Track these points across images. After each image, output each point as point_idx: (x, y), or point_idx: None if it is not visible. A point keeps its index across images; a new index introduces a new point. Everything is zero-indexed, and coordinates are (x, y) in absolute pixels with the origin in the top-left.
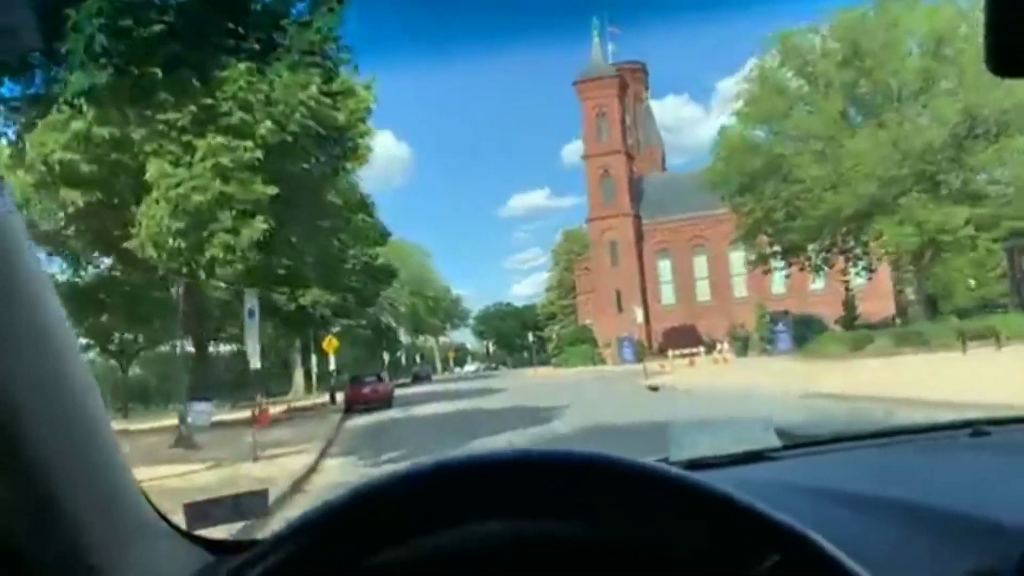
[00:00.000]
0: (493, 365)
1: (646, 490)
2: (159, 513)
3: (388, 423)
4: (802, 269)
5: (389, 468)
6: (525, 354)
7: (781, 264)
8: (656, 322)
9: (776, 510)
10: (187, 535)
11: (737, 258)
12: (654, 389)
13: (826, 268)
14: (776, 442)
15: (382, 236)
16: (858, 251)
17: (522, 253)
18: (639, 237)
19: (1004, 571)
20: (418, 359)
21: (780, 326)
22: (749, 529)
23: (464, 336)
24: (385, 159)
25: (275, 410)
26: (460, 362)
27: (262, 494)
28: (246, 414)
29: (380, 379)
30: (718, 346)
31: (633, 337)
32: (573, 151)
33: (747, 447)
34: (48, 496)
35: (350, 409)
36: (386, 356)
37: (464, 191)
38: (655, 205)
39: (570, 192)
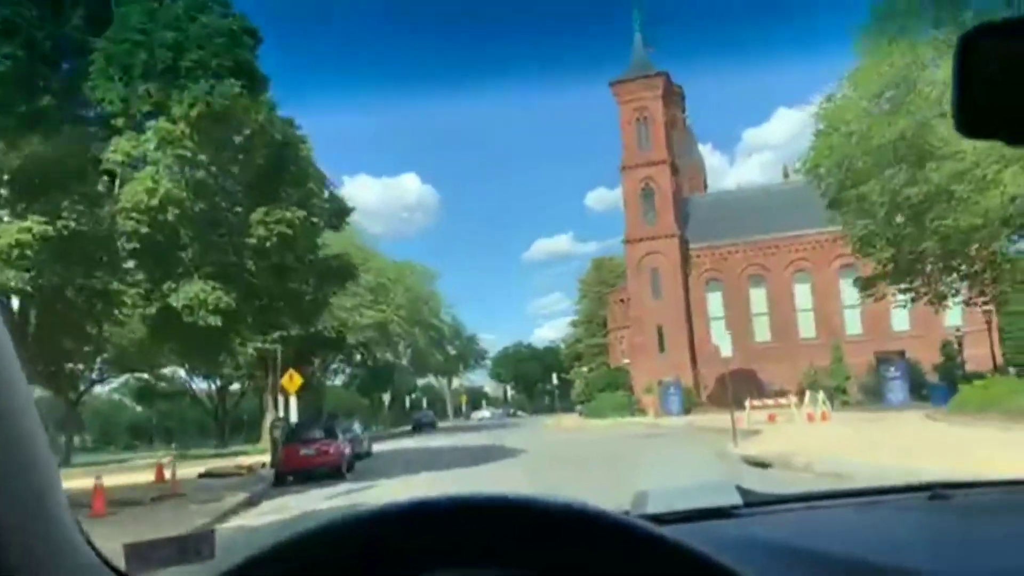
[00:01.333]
0: (511, 411)
1: (614, 542)
2: (101, 557)
3: (318, 515)
4: (928, 297)
5: None
6: (546, 399)
7: (898, 290)
8: (706, 366)
9: (737, 564)
10: None
11: (803, 292)
12: (762, 466)
13: (962, 294)
14: (738, 500)
15: (338, 212)
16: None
17: (544, 298)
18: (685, 263)
19: None
20: (424, 403)
21: (893, 371)
22: None
23: (481, 379)
24: (411, 200)
25: (191, 471)
26: (475, 406)
27: (208, 535)
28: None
29: (330, 435)
30: (809, 396)
31: (680, 383)
32: (597, 198)
33: (710, 503)
34: None
35: (280, 480)
36: (387, 399)
37: (488, 235)
38: (704, 228)
39: (593, 237)
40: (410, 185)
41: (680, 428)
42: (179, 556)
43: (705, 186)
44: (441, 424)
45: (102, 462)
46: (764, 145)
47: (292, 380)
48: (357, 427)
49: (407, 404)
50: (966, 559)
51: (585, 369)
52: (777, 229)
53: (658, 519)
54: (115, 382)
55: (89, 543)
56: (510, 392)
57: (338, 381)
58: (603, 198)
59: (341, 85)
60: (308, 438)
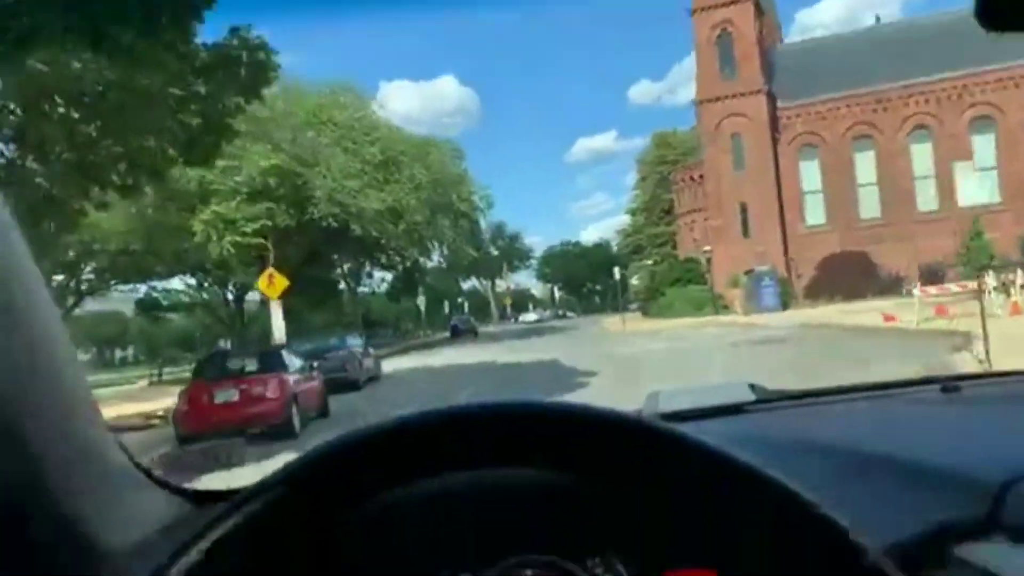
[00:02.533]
0: (560, 312)
1: (626, 438)
2: (138, 465)
3: None
4: None
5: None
6: (596, 300)
7: None
8: (800, 251)
9: (749, 458)
10: (166, 485)
11: (922, 154)
12: None
13: None
14: (751, 396)
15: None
16: None
17: (588, 199)
18: (774, 126)
19: (974, 523)
20: (465, 308)
21: None
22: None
23: (527, 281)
24: (451, 104)
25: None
26: (521, 309)
27: (239, 443)
28: None
29: (269, 366)
30: (996, 279)
31: (776, 273)
32: (641, 91)
33: (722, 401)
34: (24, 454)
35: (188, 441)
36: (421, 304)
37: (529, 136)
38: (794, 82)
39: (638, 133)
40: (448, 89)
41: (795, 328)
42: (214, 462)
43: (781, 39)
44: (484, 329)
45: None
46: None
47: (272, 283)
48: (354, 342)
49: (446, 309)
50: (976, 449)
51: (650, 262)
52: (886, 78)
53: (671, 417)
54: (114, 294)
55: (123, 448)
56: (557, 293)
57: (380, 289)
58: (647, 91)
59: None
60: (230, 375)
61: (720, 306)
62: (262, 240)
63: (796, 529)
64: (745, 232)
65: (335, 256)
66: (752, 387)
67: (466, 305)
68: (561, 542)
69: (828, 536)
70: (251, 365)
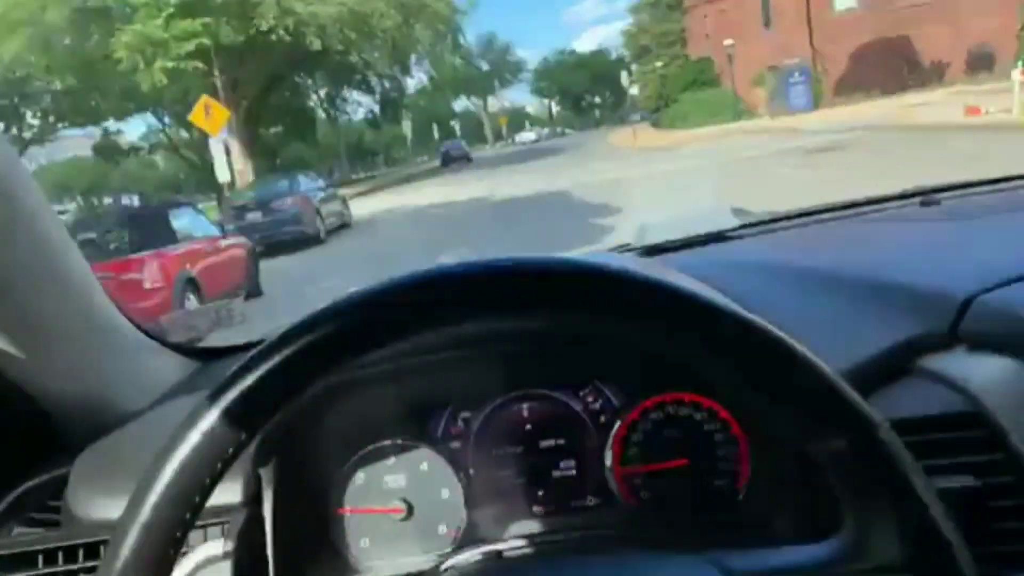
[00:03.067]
0: (558, 130)
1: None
2: (143, 329)
3: None
4: None
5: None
6: (596, 113)
7: None
8: (829, 42)
9: (731, 285)
10: (172, 346)
11: None
12: None
13: None
14: (734, 222)
15: None
16: None
17: (579, 5)
18: None
19: (938, 336)
20: (457, 131)
21: None
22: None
23: (522, 97)
24: None
25: None
26: (516, 129)
27: (238, 304)
28: None
29: (143, 241)
30: None
31: (807, 67)
32: None
33: (707, 229)
34: (35, 328)
35: None
36: (407, 129)
37: None
38: None
39: None
40: None
41: (850, 132)
42: (215, 322)
43: None
44: (478, 154)
45: None
46: None
47: (210, 115)
48: (309, 184)
49: (436, 135)
50: (947, 263)
51: (659, 64)
52: None
53: (657, 249)
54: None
55: (127, 316)
56: (555, 109)
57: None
58: None
59: None
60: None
61: (741, 110)
62: (199, 64)
63: (766, 364)
64: (766, 23)
65: (306, 80)
66: (736, 211)
67: (458, 128)
68: (552, 378)
69: (808, 384)
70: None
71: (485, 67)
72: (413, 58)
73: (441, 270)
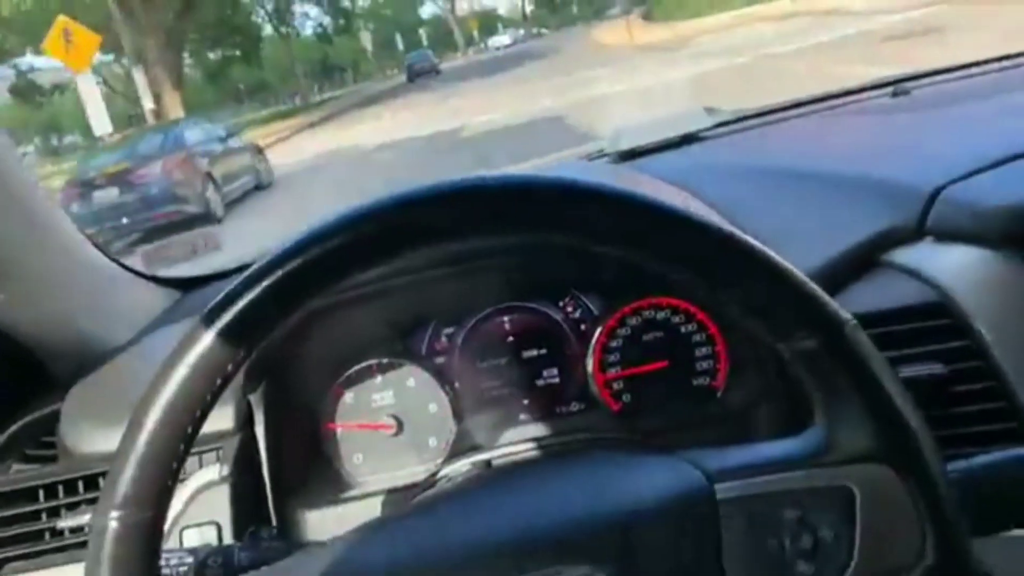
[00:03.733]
0: (534, 31)
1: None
2: (120, 264)
3: None
4: None
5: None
6: (574, 9)
7: None
8: None
9: (702, 189)
10: (151, 278)
11: None
12: None
13: None
14: (708, 122)
15: None
16: None
17: None
18: None
19: (904, 230)
20: (424, 40)
21: None
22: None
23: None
24: None
25: None
26: (489, 32)
27: (212, 232)
28: None
29: None
30: None
31: None
32: None
33: (681, 131)
34: (11, 268)
35: None
36: (367, 42)
37: None
38: None
39: None
40: None
41: (918, 7)
42: (191, 252)
43: None
44: (448, 64)
45: None
46: None
47: (72, 44)
48: (195, 134)
49: (399, 45)
50: (915, 157)
51: None
52: None
53: (631, 154)
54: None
55: (103, 251)
56: (528, 7)
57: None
58: None
59: None
60: None
61: None
62: None
63: (737, 270)
64: None
65: None
66: (708, 111)
67: (424, 37)
68: (532, 291)
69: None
70: None
71: None
72: None
73: (429, 189)
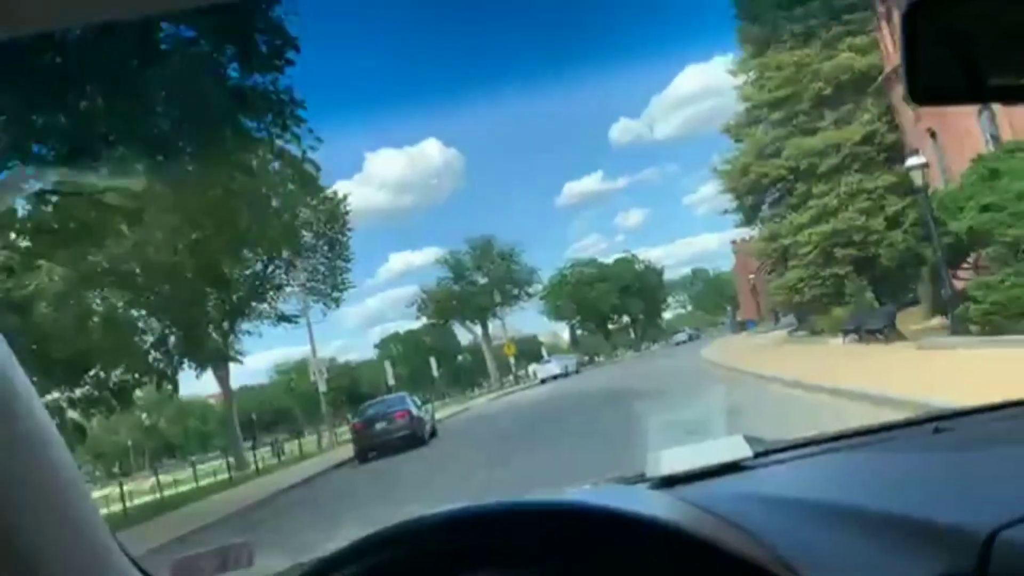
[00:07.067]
0: (585, 358)
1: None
2: (139, 567)
3: None
4: None
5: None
6: (631, 334)
7: None
8: None
9: (745, 521)
10: None
11: None
12: None
13: None
14: (749, 452)
15: None
16: None
17: (580, 241)
18: None
19: (963, 574)
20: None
21: None
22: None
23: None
24: (437, 165)
25: None
26: (530, 358)
27: (247, 545)
28: None
29: None
30: None
31: None
32: (621, 129)
33: (722, 459)
34: (34, 563)
35: None
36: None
37: (516, 186)
38: None
39: (622, 173)
40: (433, 151)
41: None
42: (221, 566)
43: None
44: (472, 402)
45: None
46: None
47: None
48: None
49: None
50: (965, 496)
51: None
52: None
53: (671, 481)
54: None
55: (125, 553)
56: (571, 332)
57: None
58: (628, 128)
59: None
60: None
61: None
62: None
63: None
64: None
65: None
66: (748, 440)
67: (435, 365)
68: None
69: None
70: None
71: (482, 280)
72: None
73: (459, 513)
